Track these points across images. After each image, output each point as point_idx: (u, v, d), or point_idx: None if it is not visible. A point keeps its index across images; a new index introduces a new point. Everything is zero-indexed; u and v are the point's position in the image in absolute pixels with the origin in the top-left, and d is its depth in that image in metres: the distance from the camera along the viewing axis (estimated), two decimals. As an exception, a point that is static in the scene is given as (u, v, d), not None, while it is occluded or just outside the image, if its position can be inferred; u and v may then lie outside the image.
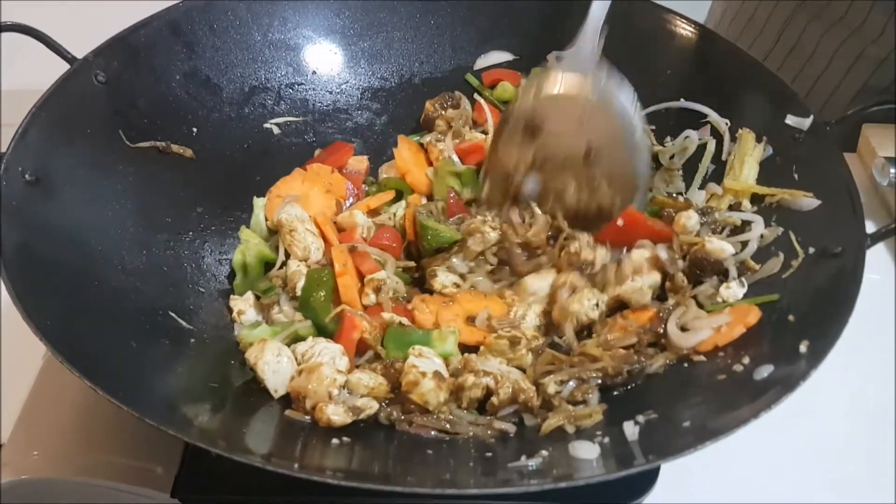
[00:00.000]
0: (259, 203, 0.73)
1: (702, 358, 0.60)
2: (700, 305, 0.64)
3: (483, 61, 0.85)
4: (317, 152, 0.80)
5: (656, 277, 0.65)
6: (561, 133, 0.67)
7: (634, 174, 0.67)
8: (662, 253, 0.65)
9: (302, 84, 0.82)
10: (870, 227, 0.60)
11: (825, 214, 0.64)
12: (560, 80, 0.68)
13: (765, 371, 0.54)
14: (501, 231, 0.69)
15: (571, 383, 0.59)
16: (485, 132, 0.80)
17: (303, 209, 0.70)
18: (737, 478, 0.64)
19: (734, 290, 0.64)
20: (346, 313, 0.62)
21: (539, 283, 0.67)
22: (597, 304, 0.65)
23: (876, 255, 0.71)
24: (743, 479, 0.64)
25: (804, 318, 0.57)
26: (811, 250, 0.62)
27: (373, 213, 0.73)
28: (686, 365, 0.60)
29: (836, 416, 0.68)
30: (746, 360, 0.57)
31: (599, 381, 0.60)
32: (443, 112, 0.81)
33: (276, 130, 0.80)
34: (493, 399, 0.59)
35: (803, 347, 0.54)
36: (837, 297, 0.55)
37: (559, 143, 0.68)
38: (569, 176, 0.68)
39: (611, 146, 0.66)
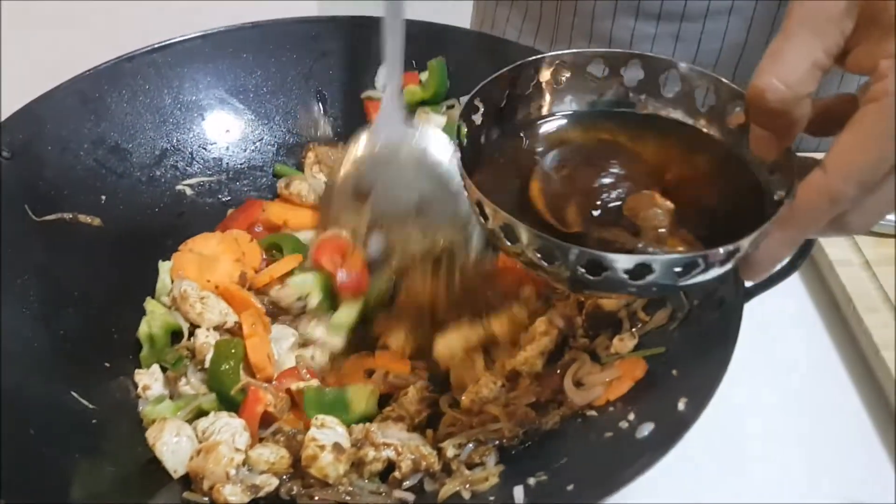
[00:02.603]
0: (164, 267, 0.74)
1: (594, 413, 0.61)
2: (595, 358, 0.66)
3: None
4: (229, 212, 0.81)
5: (546, 343, 0.67)
6: (389, 190, 0.70)
7: (463, 218, 0.68)
8: (559, 321, 0.67)
9: (215, 144, 0.83)
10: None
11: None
12: (376, 143, 0.70)
13: (646, 429, 0.56)
14: None
15: (470, 445, 0.61)
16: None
17: (205, 271, 0.71)
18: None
19: (626, 342, 0.66)
20: (250, 386, 0.63)
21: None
22: (495, 383, 0.66)
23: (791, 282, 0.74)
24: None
25: (685, 372, 0.59)
26: (695, 302, 0.64)
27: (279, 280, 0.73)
28: (580, 420, 0.62)
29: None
30: (632, 417, 0.58)
31: (497, 443, 0.61)
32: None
33: (188, 192, 0.81)
34: (396, 473, 0.60)
35: (682, 405, 0.56)
36: (714, 353, 0.57)
37: (390, 199, 0.70)
38: (408, 228, 0.70)
39: (436, 195, 0.68)
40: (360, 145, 0.71)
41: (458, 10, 1.22)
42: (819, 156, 0.48)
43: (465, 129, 0.55)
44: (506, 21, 1.04)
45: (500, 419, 0.61)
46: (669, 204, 0.51)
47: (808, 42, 0.45)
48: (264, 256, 0.75)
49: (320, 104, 0.86)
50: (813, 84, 0.45)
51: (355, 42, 0.87)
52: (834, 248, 0.87)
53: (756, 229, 0.46)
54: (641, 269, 0.46)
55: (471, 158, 0.54)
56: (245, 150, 0.84)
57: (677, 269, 0.46)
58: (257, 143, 0.85)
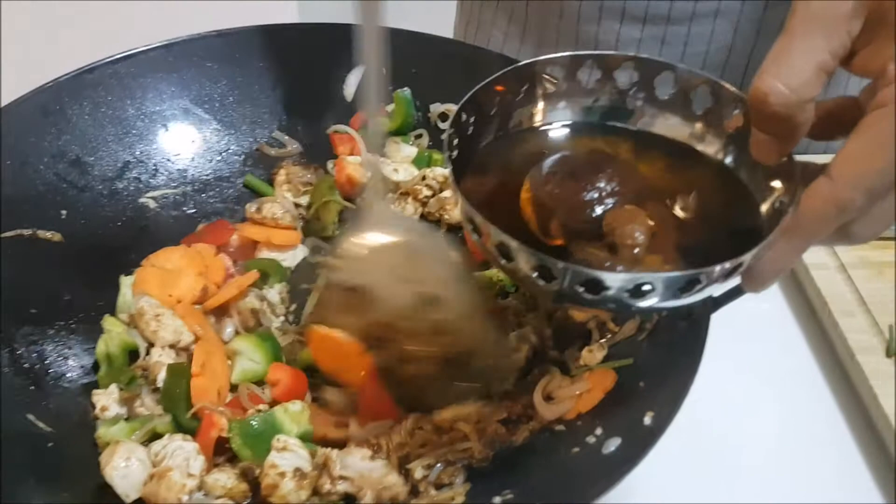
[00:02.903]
0: (126, 281, 0.72)
1: (562, 427, 0.60)
2: (566, 369, 0.65)
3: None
4: (199, 226, 0.79)
5: (518, 359, 0.65)
6: (388, 286, 0.61)
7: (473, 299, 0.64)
8: (532, 337, 0.66)
9: (179, 155, 0.82)
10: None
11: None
12: (364, 244, 0.62)
13: (612, 444, 0.55)
14: None
15: (439, 465, 0.59)
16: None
17: (166, 285, 0.70)
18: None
19: (596, 353, 0.65)
20: (204, 411, 0.62)
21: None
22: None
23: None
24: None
25: (653, 383, 0.58)
26: (664, 312, 0.63)
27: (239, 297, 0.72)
28: (548, 434, 0.61)
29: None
30: (599, 431, 0.57)
31: (466, 462, 0.60)
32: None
33: (152, 205, 0.79)
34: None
35: (648, 419, 0.55)
36: (681, 365, 0.56)
37: (390, 297, 0.61)
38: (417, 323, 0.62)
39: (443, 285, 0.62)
40: (350, 241, 0.63)
41: (443, 13, 1.21)
42: (823, 158, 0.46)
43: (456, 140, 0.53)
44: (491, 24, 1.03)
45: (471, 438, 0.60)
46: (649, 221, 0.50)
47: (813, 43, 0.43)
48: (231, 270, 0.74)
49: (287, 112, 0.85)
50: (818, 87, 0.43)
51: (323, 50, 0.85)
52: (809, 251, 0.86)
53: (756, 241, 0.45)
54: (641, 288, 0.44)
55: (462, 169, 0.53)
56: (211, 161, 0.83)
57: (679, 287, 0.45)
58: (224, 154, 0.83)
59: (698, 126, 0.56)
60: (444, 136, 0.52)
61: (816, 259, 0.85)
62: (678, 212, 0.52)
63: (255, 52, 0.85)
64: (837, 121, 0.48)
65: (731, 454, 0.70)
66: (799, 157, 0.49)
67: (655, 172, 0.55)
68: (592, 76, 0.56)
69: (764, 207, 0.51)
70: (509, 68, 0.56)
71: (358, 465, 0.59)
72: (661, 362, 0.59)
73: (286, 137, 0.84)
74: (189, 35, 0.83)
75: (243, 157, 0.84)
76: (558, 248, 0.50)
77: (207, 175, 0.82)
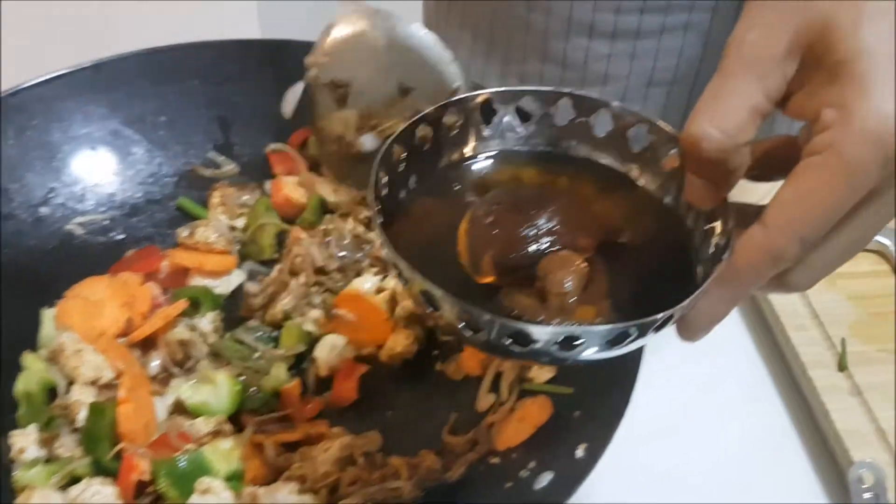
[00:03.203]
0: (48, 315, 0.69)
1: (497, 460, 0.58)
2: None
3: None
4: (128, 253, 0.76)
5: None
6: (370, 80, 0.66)
7: (446, 82, 0.65)
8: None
9: (108, 178, 0.79)
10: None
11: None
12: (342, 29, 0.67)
13: (545, 479, 0.53)
14: None
15: (367, 504, 0.57)
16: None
17: (89, 318, 0.67)
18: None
19: (545, 371, 0.63)
20: (125, 453, 0.59)
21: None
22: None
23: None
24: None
25: (587, 413, 0.56)
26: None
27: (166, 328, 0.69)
28: (483, 468, 0.59)
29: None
30: (532, 465, 0.55)
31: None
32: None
33: (79, 231, 0.76)
34: None
35: (580, 451, 0.53)
36: (615, 395, 0.54)
37: (373, 90, 0.66)
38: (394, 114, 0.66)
39: (416, 72, 0.65)
40: (328, 35, 0.67)
41: None
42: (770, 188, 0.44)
43: (385, 179, 0.50)
44: (456, 41, 1.00)
45: (401, 474, 0.58)
46: (584, 267, 0.47)
47: (747, 85, 0.41)
48: (160, 300, 0.71)
49: (223, 131, 0.82)
50: (752, 131, 0.41)
51: (260, 66, 0.83)
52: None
53: (692, 288, 0.43)
54: (571, 342, 0.42)
55: (393, 209, 0.50)
56: (142, 184, 0.80)
57: (609, 340, 0.42)
58: (155, 176, 0.80)
59: (634, 166, 0.53)
60: (372, 177, 0.49)
61: (768, 271, 0.83)
62: (618, 254, 0.50)
63: (188, 69, 0.82)
64: (776, 161, 0.46)
65: (682, 471, 0.69)
66: (735, 200, 0.47)
67: (599, 208, 0.52)
68: (529, 111, 0.54)
69: (703, 250, 0.48)
70: (441, 103, 0.53)
71: (287, 500, 0.57)
72: (597, 390, 0.57)
73: (221, 157, 0.82)
74: (119, 54, 0.80)
75: (176, 178, 0.81)
76: (489, 287, 0.48)
77: (138, 198, 0.79)
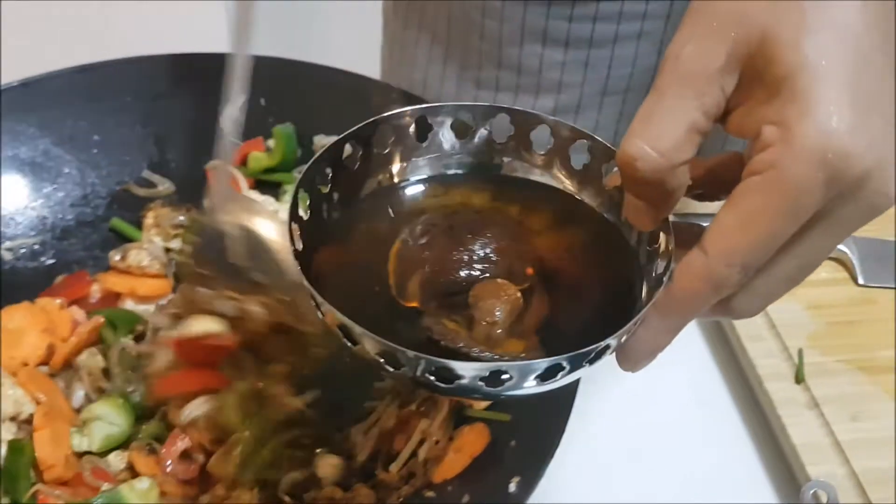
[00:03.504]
0: (-35, 348, 0.66)
1: (432, 494, 0.56)
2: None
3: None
4: (58, 278, 0.73)
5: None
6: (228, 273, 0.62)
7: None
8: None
9: (38, 201, 0.76)
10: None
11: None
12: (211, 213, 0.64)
13: (477, 515, 0.51)
14: None
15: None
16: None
17: (10, 347, 0.64)
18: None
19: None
20: (40, 494, 0.56)
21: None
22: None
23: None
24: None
25: (522, 443, 0.54)
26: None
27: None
28: (416, 501, 0.56)
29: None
30: (466, 499, 0.53)
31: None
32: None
33: (7, 256, 0.73)
34: None
35: (513, 485, 0.50)
36: (550, 424, 0.52)
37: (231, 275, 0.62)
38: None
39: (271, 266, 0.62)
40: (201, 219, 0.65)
41: (370, 36, 1.16)
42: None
43: (308, 201, 0.47)
44: (415, 46, 0.98)
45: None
46: (516, 297, 0.45)
47: (684, 102, 0.38)
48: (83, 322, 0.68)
49: (159, 149, 0.80)
50: (690, 150, 0.39)
51: (198, 80, 0.80)
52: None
53: (631, 314, 0.41)
54: (500, 377, 0.39)
55: (317, 234, 0.47)
56: (74, 206, 0.77)
57: (539, 375, 0.40)
58: (87, 197, 0.78)
59: (575, 185, 0.51)
60: (291, 200, 0.46)
61: (725, 280, 0.81)
62: (560, 279, 0.48)
63: (123, 85, 0.79)
64: (722, 179, 0.43)
65: (635, 487, 0.67)
66: (676, 219, 0.44)
67: (541, 231, 0.50)
68: (465, 127, 0.51)
69: (648, 271, 0.45)
70: (371, 120, 0.50)
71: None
72: (533, 418, 0.55)
73: (156, 176, 0.79)
74: (49, 72, 0.77)
75: (109, 199, 0.78)
76: (417, 315, 0.45)
77: (69, 221, 0.76)
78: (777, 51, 0.37)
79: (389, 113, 0.49)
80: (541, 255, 0.48)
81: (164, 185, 0.79)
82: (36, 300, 0.69)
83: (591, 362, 0.40)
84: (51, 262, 0.75)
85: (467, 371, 0.39)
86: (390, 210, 0.51)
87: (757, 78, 0.38)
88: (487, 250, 0.46)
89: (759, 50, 0.37)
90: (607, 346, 0.40)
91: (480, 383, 0.39)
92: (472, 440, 0.57)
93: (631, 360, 0.42)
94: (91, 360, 0.64)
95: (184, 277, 0.67)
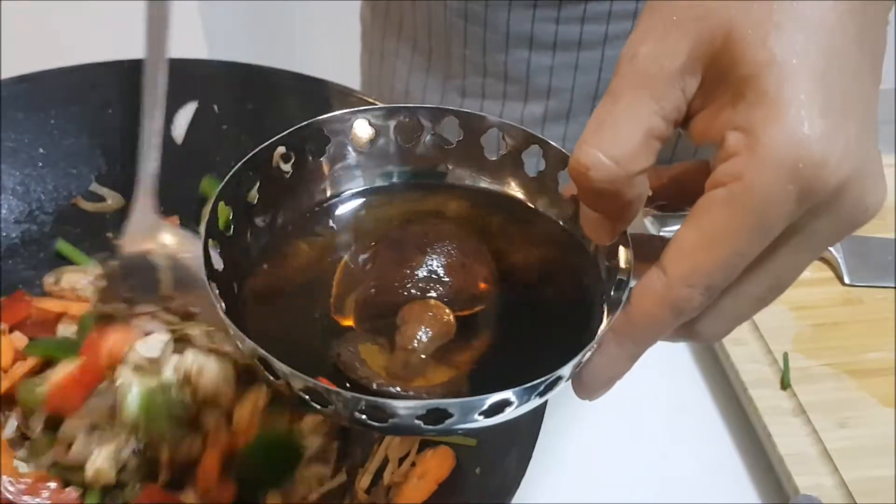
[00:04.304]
0: None
1: (394, 523, 0.52)
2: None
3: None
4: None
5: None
6: (151, 296, 0.59)
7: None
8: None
9: (-22, 218, 0.72)
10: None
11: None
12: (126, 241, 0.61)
13: (439, 549, 0.47)
14: None
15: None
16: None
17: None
18: None
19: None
20: None
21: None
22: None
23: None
24: None
25: (488, 469, 0.50)
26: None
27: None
28: (379, 532, 0.53)
29: None
30: (428, 530, 0.49)
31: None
32: None
33: (-54, 278, 0.69)
34: None
35: (477, 516, 0.47)
36: (515, 451, 0.48)
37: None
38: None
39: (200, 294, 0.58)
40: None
41: (349, 43, 1.13)
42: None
43: (230, 214, 0.43)
44: (395, 55, 0.95)
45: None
46: (446, 319, 0.41)
47: (640, 106, 0.35)
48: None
49: (107, 161, 0.75)
50: (648, 158, 0.35)
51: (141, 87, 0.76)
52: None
53: (587, 339, 0.37)
54: (438, 414, 0.35)
55: (240, 252, 0.43)
56: (17, 223, 0.72)
57: (482, 411, 0.36)
58: (32, 214, 0.73)
59: (532, 191, 0.47)
60: (208, 212, 0.41)
61: (706, 282, 0.78)
62: (514, 297, 0.44)
63: (67, 95, 0.74)
64: (686, 190, 0.40)
65: (617, 497, 0.64)
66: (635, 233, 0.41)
67: (495, 245, 0.46)
68: (410, 132, 0.47)
69: (608, 289, 0.41)
70: (305, 123, 0.45)
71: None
72: (499, 444, 0.51)
73: (105, 189, 0.75)
74: (-15, 83, 0.73)
75: (56, 215, 0.74)
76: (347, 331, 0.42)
77: (14, 239, 0.72)
78: (742, 48, 0.33)
79: (326, 116, 0.45)
80: (492, 273, 0.44)
81: (113, 199, 0.74)
82: (-24, 323, 0.65)
83: (543, 394, 0.37)
84: (-8, 283, 0.71)
85: (400, 410, 0.35)
86: (329, 222, 0.47)
87: (721, 78, 0.34)
88: (431, 267, 0.43)
89: (723, 48, 0.34)
90: (559, 377, 0.36)
91: (418, 422, 0.35)
92: (437, 465, 0.53)
93: (587, 389, 0.39)
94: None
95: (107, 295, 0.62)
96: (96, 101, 0.75)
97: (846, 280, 0.77)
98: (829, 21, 0.33)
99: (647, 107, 0.35)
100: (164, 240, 0.60)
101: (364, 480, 0.55)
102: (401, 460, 0.55)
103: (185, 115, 0.76)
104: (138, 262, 0.60)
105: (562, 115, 0.89)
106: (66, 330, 0.66)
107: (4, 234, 0.72)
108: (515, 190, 0.47)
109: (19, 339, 0.65)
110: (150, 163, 0.62)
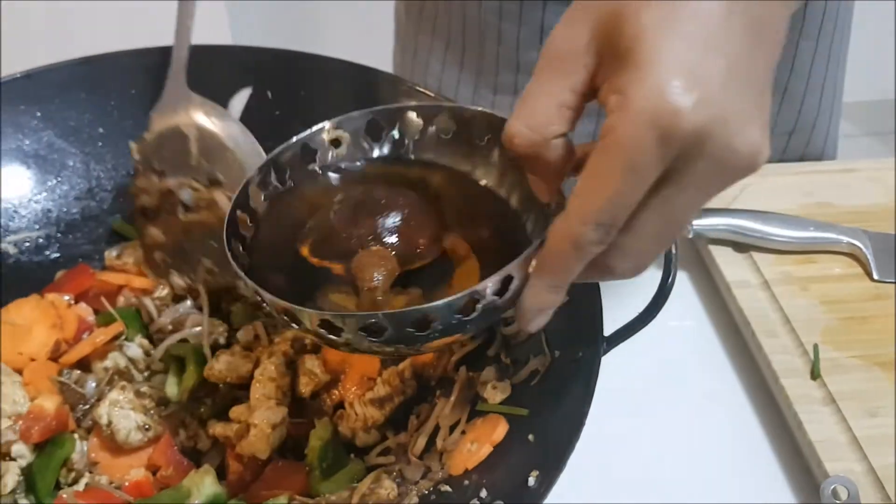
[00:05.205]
0: (-25, 342, 0.65)
1: (448, 488, 0.55)
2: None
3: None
4: (59, 274, 0.72)
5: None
6: (181, 165, 0.67)
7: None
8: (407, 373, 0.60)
9: (42, 194, 0.74)
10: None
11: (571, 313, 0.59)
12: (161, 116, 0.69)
13: (496, 509, 0.50)
14: None
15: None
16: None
17: (18, 342, 0.63)
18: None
19: (500, 391, 0.59)
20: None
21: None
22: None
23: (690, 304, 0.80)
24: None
25: (541, 436, 0.53)
26: (557, 354, 0.57)
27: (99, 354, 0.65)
28: (434, 497, 0.55)
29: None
30: (484, 494, 0.52)
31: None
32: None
33: (11, 250, 0.72)
34: None
35: (532, 479, 0.49)
36: (569, 417, 0.50)
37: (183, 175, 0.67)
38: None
39: (228, 163, 0.67)
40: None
41: (383, 39, 1.15)
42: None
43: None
44: (428, 52, 0.98)
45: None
46: (391, 258, 0.49)
47: (552, 82, 0.42)
48: (91, 320, 0.67)
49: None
50: (563, 125, 0.43)
51: (202, 71, 0.79)
52: (731, 267, 0.81)
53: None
54: (424, 321, 0.44)
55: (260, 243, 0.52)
56: (79, 199, 0.76)
57: (457, 310, 0.44)
58: (93, 191, 0.76)
59: (482, 158, 0.55)
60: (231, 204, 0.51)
61: (738, 276, 0.80)
62: (461, 248, 0.52)
63: (126, 77, 0.78)
64: None
65: (652, 485, 0.66)
66: None
67: (441, 205, 0.54)
68: (378, 134, 0.56)
69: (533, 237, 0.50)
70: (292, 141, 0.55)
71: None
72: (551, 411, 0.54)
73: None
74: (51, 63, 0.76)
75: (114, 193, 0.76)
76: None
77: (74, 215, 0.75)
78: (622, 24, 0.39)
79: (306, 132, 0.55)
80: (436, 231, 0.52)
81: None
82: (44, 295, 0.68)
83: (468, 313, 0.44)
84: (56, 255, 0.73)
85: (346, 323, 0.43)
86: (314, 192, 0.55)
87: (613, 54, 0.40)
88: (383, 224, 0.51)
89: (614, 28, 0.39)
90: (478, 295, 0.43)
91: (363, 334, 0.43)
92: (489, 429, 0.55)
93: (523, 318, 0.45)
94: (104, 364, 0.64)
95: (143, 168, 0.70)
96: (154, 84, 0.78)
97: (875, 276, 0.79)
98: None
99: (557, 83, 0.42)
100: (193, 111, 0.66)
101: (418, 445, 0.58)
102: (451, 428, 0.58)
103: (240, 101, 0.79)
104: (169, 134, 0.67)
105: (593, 111, 0.92)
106: (133, 299, 0.69)
107: (65, 209, 0.75)
108: (462, 162, 0.55)
109: (84, 310, 0.67)
110: (183, 46, 0.69)
